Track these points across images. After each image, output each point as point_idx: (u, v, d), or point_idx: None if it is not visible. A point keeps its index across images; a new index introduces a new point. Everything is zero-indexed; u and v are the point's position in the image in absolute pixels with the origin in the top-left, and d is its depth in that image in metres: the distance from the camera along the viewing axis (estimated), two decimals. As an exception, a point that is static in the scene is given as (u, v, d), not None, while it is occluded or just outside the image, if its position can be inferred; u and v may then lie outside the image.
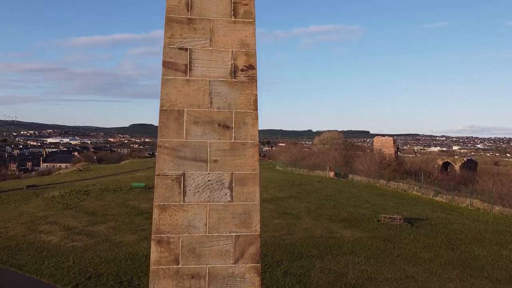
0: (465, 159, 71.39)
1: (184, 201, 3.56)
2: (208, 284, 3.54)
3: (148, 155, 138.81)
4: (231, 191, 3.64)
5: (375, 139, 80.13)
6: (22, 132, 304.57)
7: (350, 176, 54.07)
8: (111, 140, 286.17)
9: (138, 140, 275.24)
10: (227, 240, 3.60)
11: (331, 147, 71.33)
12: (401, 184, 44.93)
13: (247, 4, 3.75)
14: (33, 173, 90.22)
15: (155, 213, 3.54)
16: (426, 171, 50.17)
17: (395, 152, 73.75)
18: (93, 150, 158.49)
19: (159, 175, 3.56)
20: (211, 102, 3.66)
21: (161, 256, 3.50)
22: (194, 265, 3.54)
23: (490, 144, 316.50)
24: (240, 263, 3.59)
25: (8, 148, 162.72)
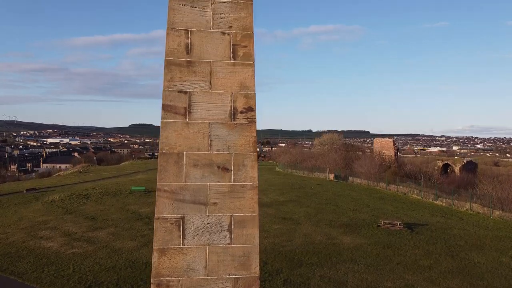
0: (465, 161, 71.39)
1: (183, 244, 3.57)
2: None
3: (148, 155, 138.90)
4: (231, 233, 3.65)
5: (375, 140, 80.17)
6: (22, 132, 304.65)
7: (350, 178, 54.07)
8: (111, 140, 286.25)
9: (138, 140, 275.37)
10: (226, 282, 3.61)
11: (331, 149, 71.33)
12: (401, 187, 44.94)
13: (246, 46, 3.76)
14: (33, 174, 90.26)
15: (155, 256, 3.55)
16: (426, 174, 50.17)
17: (395, 154, 73.79)
18: (93, 150, 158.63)
19: (158, 218, 3.57)
20: (210, 145, 3.66)
21: (161, 300, 3.51)
22: (193, 308, 3.55)
23: (490, 144, 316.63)
24: (239, 306, 3.61)
25: (8, 149, 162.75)
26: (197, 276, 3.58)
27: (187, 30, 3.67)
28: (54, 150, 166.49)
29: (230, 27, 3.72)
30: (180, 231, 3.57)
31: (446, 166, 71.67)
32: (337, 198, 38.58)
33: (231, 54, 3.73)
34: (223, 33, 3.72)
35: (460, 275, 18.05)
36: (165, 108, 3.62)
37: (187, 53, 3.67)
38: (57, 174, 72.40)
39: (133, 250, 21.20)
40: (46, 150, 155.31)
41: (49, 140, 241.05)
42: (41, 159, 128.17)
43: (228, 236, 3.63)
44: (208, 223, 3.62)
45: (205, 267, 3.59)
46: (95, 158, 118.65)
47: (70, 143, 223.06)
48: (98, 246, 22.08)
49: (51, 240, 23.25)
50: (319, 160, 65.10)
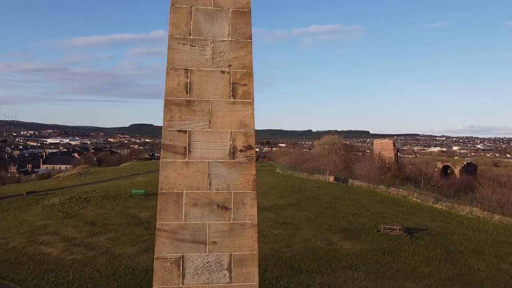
0: (464, 163, 71.42)
1: (183, 283, 3.58)
2: None
3: (148, 156, 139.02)
4: (230, 272, 3.65)
5: (375, 142, 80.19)
6: (22, 132, 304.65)
7: (350, 181, 54.09)
8: (111, 140, 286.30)
9: (138, 141, 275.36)
10: (226, 321, 3.62)
11: (331, 151, 71.34)
12: (401, 190, 44.96)
13: (246, 85, 3.76)
14: (33, 175, 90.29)
15: (155, 296, 3.56)
16: (426, 176, 50.17)
17: (395, 156, 73.81)
18: (93, 151, 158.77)
19: (158, 258, 3.58)
20: (210, 184, 3.67)
21: None
22: None
23: (490, 144, 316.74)
24: None
25: (8, 149, 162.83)
26: (197, 315, 3.58)
27: (187, 69, 3.67)
28: (54, 150, 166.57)
29: (230, 65, 3.73)
30: (179, 271, 3.58)
31: (446, 168, 71.73)
32: (337, 201, 38.58)
33: (231, 93, 3.74)
34: (223, 72, 3.72)
35: (460, 283, 18.06)
36: (164, 147, 3.63)
37: (187, 92, 3.68)
38: (57, 175, 72.45)
39: (133, 257, 21.20)
40: (46, 150, 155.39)
41: (49, 140, 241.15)
42: (41, 159, 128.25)
43: (227, 275, 3.64)
44: (207, 262, 3.63)
45: (205, 306, 3.60)
46: (95, 159, 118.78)
47: (70, 143, 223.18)
48: (98, 252, 22.08)
49: (51, 246, 23.25)
50: (319, 162, 65.11)
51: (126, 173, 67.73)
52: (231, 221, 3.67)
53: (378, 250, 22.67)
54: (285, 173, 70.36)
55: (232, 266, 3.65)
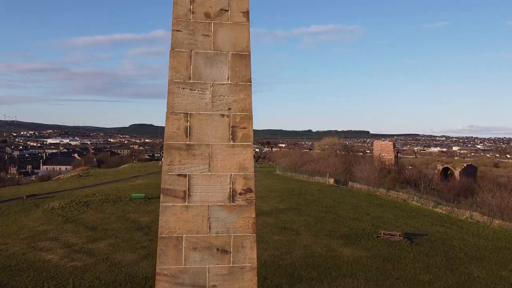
0: (464, 165, 71.52)
1: (183, 328, 3.59)
2: None
3: (148, 156, 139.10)
4: (230, 315, 3.66)
5: (375, 143, 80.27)
6: (22, 133, 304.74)
7: (350, 183, 54.09)
8: (111, 140, 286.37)
9: (138, 141, 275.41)
10: None
11: (331, 153, 71.38)
12: (401, 194, 44.96)
13: (245, 128, 3.77)
14: (33, 176, 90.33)
15: None
16: (426, 179, 50.19)
17: (395, 157, 73.85)
18: (93, 151, 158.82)
19: (158, 303, 3.58)
20: (209, 227, 3.68)
21: None
22: None
23: (490, 144, 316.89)
24: None
25: (8, 149, 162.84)
26: None
27: (187, 113, 3.68)
28: (54, 151, 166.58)
29: (229, 108, 3.74)
30: (180, 315, 3.59)
31: (446, 170, 71.82)
32: (337, 205, 38.60)
33: (230, 136, 3.75)
34: (222, 115, 3.73)
35: (460, 291, 18.07)
36: (164, 192, 3.63)
37: (187, 136, 3.69)
38: (57, 177, 72.50)
39: (133, 264, 21.21)
40: (46, 151, 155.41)
41: (49, 141, 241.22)
42: (41, 160, 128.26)
43: (227, 319, 3.65)
44: (207, 306, 3.63)
45: None
46: (95, 159, 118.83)
47: (70, 144, 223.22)
48: (98, 258, 22.09)
49: (51, 252, 23.26)
50: (319, 164, 65.13)
51: (126, 175, 67.75)
52: (231, 264, 3.68)
53: (378, 257, 22.67)
54: (285, 175, 70.40)
55: (231, 309, 3.66)
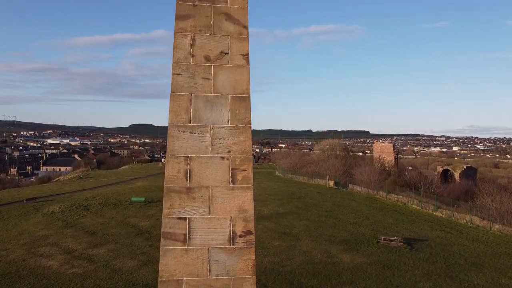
0: (464, 167, 71.54)
1: None
2: None
3: (148, 157, 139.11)
4: None
5: (375, 145, 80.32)
6: (22, 133, 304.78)
7: (350, 186, 54.11)
8: (111, 140, 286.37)
9: (138, 141, 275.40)
10: None
11: (331, 155, 71.40)
12: (401, 197, 44.98)
13: (245, 170, 3.78)
14: (33, 177, 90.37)
15: None
16: (426, 182, 50.22)
17: (395, 159, 73.89)
18: (93, 152, 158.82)
19: None
20: (209, 270, 3.69)
21: None
22: None
23: (490, 144, 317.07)
24: None
25: (8, 150, 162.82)
26: None
27: (187, 157, 3.69)
28: (54, 151, 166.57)
29: (229, 151, 3.75)
30: None
31: (445, 172, 71.82)
32: (337, 209, 38.61)
33: (230, 178, 3.76)
34: (222, 158, 3.74)
35: (460, 300, 18.07)
36: (164, 235, 3.64)
37: (187, 179, 3.70)
38: (57, 179, 72.53)
39: (133, 270, 21.21)
40: (46, 151, 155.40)
41: (49, 141, 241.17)
42: (41, 161, 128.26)
43: None
44: None
45: None
46: (95, 160, 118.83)
47: (70, 144, 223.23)
48: (98, 265, 22.09)
49: (51, 258, 23.26)
50: (319, 166, 65.15)
51: (126, 177, 67.77)
52: (231, 307, 3.69)
53: (378, 263, 22.68)
54: (285, 176, 70.41)
55: None
